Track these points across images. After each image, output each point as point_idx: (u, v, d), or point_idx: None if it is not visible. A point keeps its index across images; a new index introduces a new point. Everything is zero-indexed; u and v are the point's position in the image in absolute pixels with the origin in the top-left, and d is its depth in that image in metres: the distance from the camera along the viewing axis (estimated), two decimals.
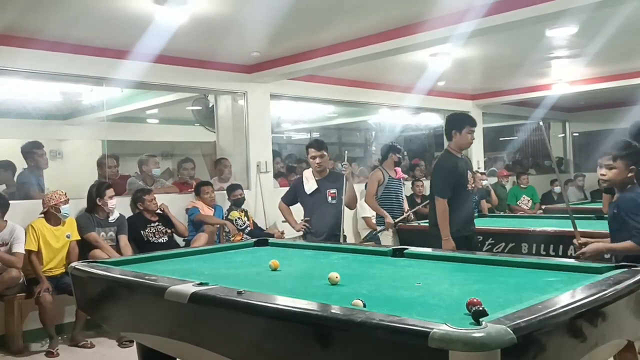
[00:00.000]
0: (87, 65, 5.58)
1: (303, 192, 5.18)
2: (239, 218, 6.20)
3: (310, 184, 5.13)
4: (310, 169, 5.23)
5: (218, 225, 6.03)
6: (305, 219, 5.16)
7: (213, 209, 6.14)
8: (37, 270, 4.86)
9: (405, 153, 6.64)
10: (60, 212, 5.03)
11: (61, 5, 4.45)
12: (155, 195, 5.81)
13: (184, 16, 4.60)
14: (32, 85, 6.46)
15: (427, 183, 8.39)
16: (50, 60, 5.34)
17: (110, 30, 5.14)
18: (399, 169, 6.38)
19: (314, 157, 5.10)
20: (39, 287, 4.75)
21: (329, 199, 5.08)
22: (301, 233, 5.31)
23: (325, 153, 5.12)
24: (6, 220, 4.82)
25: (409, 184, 8.26)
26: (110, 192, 5.35)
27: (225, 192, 6.41)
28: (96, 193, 5.35)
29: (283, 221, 5.73)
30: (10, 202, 4.93)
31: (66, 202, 5.06)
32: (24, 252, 4.78)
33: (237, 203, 6.28)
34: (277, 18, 4.89)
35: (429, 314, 2.03)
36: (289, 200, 5.39)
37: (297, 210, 5.36)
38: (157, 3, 4.40)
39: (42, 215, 5.06)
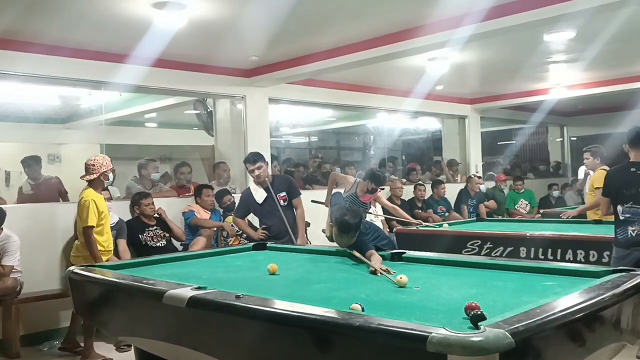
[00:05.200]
0: (86, 69, 5.58)
1: (254, 202, 5.28)
2: None
3: (260, 193, 5.24)
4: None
5: (215, 229, 6.03)
6: (263, 226, 5.25)
7: (210, 213, 6.11)
8: (94, 250, 4.41)
9: (378, 181, 5.43)
10: (109, 179, 4.65)
11: (60, 9, 4.45)
12: (153, 199, 5.78)
13: (183, 20, 4.62)
14: (30, 89, 6.44)
15: (428, 187, 8.40)
16: (48, 64, 5.34)
17: (109, 34, 5.14)
18: (371, 196, 5.56)
19: (251, 171, 5.22)
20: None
21: (281, 202, 5.21)
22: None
23: (262, 164, 5.20)
24: (2, 229, 4.70)
25: (409, 188, 8.23)
26: None
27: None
28: None
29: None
30: None
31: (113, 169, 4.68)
32: (13, 265, 4.67)
33: (229, 209, 6.19)
34: (276, 22, 4.89)
35: (427, 318, 2.03)
36: (242, 213, 5.46)
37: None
38: (156, 7, 4.41)
39: (89, 184, 4.58)
